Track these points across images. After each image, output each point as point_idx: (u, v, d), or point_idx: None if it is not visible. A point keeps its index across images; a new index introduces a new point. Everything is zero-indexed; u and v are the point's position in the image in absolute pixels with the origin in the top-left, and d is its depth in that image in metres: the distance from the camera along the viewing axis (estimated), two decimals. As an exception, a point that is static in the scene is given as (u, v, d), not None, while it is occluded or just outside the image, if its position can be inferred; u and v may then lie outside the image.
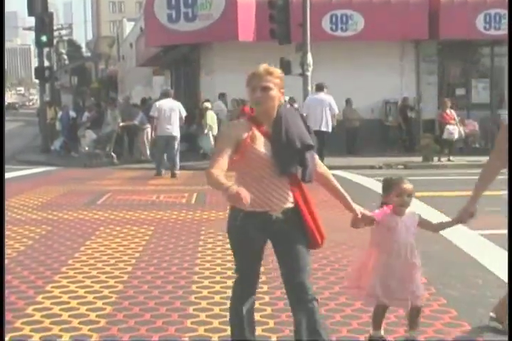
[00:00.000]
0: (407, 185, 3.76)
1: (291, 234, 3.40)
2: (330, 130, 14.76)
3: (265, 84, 3.34)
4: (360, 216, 3.57)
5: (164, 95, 14.78)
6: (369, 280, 3.76)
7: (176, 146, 14.41)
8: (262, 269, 5.71)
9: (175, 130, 14.13)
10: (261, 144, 3.34)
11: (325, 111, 14.58)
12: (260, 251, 3.48)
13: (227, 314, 4.52)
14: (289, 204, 3.39)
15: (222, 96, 19.18)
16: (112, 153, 17.89)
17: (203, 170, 17.44)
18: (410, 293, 3.74)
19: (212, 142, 17.62)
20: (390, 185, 3.81)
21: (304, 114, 14.51)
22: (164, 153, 14.51)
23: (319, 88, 14.93)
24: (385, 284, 3.72)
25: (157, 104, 14.47)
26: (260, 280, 5.42)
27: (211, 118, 17.98)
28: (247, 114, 3.46)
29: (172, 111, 14.10)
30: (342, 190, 3.60)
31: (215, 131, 17.53)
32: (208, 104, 18.50)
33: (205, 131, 17.98)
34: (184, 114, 14.39)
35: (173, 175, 14.25)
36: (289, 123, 3.40)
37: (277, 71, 3.42)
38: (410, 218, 3.80)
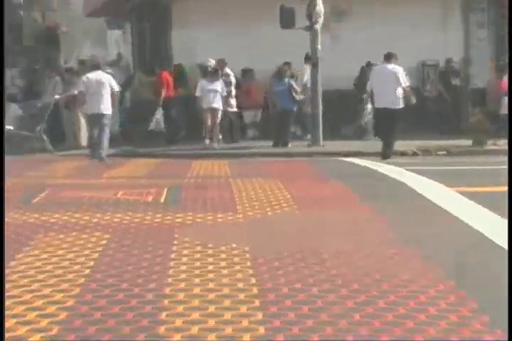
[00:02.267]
0: None
1: None
2: (400, 106, 15.66)
3: None
4: None
5: (93, 67, 16.70)
6: None
7: (107, 126, 16.00)
8: (248, 264, 6.07)
9: (105, 107, 15.72)
10: None
11: (393, 85, 15.44)
12: None
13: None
14: None
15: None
16: (44, 136, 17.73)
17: (172, 157, 17.54)
18: None
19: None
20: None
21: (369, 89, 15.86)
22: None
23: (388, 57, 15.72)
24: None
25: (84, 77, 16.29)
26: (248, 273, 5.81)
27: None
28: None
29: (101, 85, 15.71)
30: None
31: None
32: None
33: None
34: (116, 88, 16.05)
35: (93, 157, 15.93)
36: None
37: None
38: None
